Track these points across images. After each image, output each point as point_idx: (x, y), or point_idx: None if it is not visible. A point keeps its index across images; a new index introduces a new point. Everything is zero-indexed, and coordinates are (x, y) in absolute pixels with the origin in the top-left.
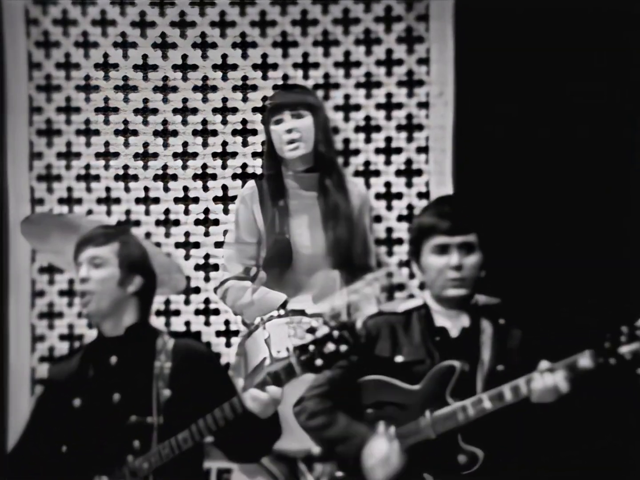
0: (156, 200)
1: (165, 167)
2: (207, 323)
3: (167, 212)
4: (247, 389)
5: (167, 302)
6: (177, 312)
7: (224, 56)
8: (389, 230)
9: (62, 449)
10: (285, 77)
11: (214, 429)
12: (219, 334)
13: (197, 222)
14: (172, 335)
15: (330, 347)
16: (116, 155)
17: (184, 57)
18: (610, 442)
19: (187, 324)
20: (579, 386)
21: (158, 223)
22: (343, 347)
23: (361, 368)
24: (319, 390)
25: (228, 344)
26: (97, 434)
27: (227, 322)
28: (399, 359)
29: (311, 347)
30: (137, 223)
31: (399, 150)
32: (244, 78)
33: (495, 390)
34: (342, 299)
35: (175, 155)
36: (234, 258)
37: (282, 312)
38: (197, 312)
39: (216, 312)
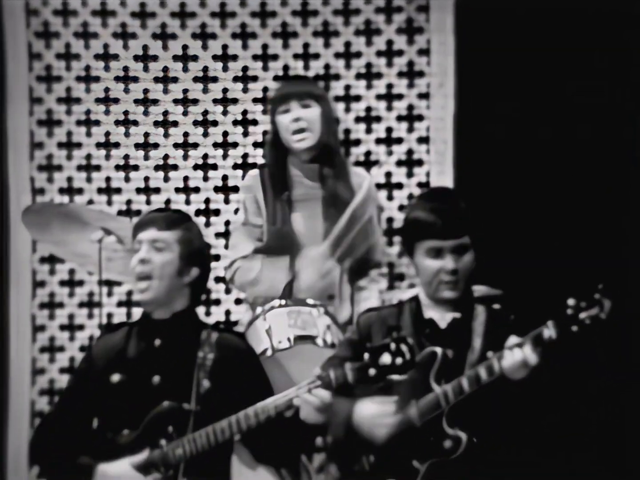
0: (157, 190)
1: (166, 157)
2: (207, 313)
3: (167, 202)
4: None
5: None
6: None
7: (224, 47)
8: (390, 220)
9: (92, 423)
10: (285, 67)
11: (254, 424)
12: (219, 324)
13: (198, 212)
14: (217, 329)
15: (386, 358)
16: (117, 145)
17: (185, 47)
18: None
19: None
20: (547, 358)
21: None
22: (399, 360)
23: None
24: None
25: None
26: (132, 413)
27: (227, 312)
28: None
29: (366, 356)
30: (138, 213)
31: (399, 141)
32: (245, 69)
33: (471, 371)
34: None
35: (176, 146)
36: (243, 239)
37: (282, 302)
38: None
39: (217, 302)
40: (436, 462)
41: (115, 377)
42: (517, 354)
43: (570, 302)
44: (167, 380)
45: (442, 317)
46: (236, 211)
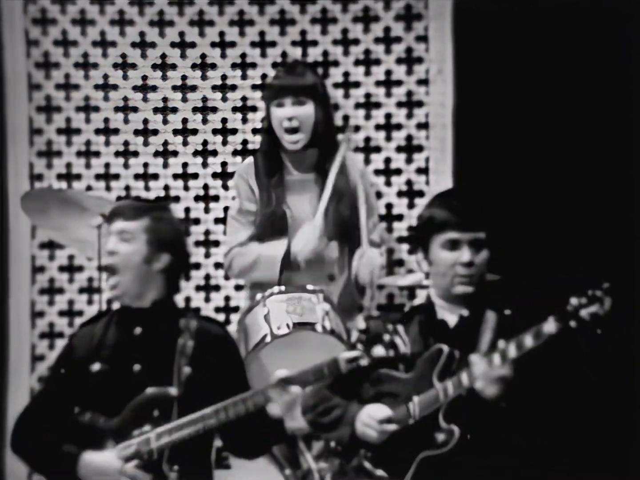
0: (155, 177)
1: (165, 143)
2: (207, 299)
3: (166, 188)
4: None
5: None
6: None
7: (222, 34)
8: (389, 206)
9: (74, 410)
10: (284, 54)
11: (242, 413)
12: (218, 310)
13: (197, 199)
14: (196, 317)
15: (379, 350)
16: (116, 131)
17: (181, 34)
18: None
19: (188, 300)
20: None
21: (157, 199)
22: (391, 353)
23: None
24: (320, 390)
25: (228, 321)
26: (112, 402)
27: (227, 298)
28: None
29: (359, 347)
30: (137, 199)
31: (399, 127)
32: (243, 55)
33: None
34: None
35: (176, 132)
36: (238, 227)
37: (282, 288)
38: (198, 288)
39: (217, 288)
40: (428, 455)
41: (96, 367)
42: (482, 365)
43: (573, 299)
44: (148, 368)
45: (453, 317)
46: (234, 198)
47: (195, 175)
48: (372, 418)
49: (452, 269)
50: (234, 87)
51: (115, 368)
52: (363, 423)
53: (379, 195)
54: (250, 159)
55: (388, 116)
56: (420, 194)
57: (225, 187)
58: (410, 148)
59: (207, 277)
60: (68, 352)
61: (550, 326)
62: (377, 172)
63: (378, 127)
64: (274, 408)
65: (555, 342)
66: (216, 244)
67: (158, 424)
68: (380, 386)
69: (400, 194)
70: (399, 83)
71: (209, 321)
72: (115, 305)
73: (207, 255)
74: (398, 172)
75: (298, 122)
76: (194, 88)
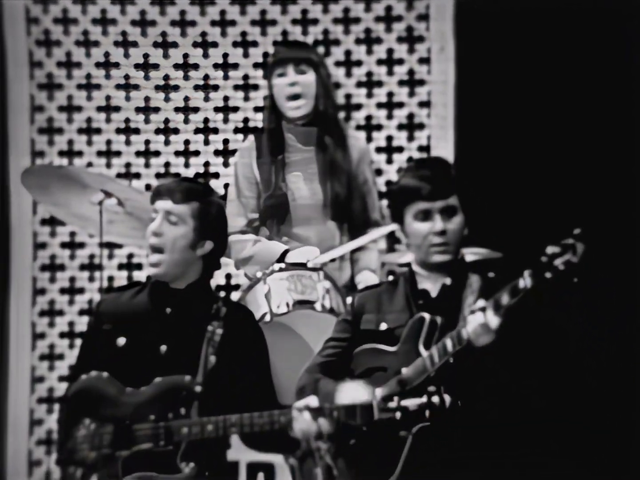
0: (156, 154)
1: (166, 120)
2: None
3: (167, 164)
4: None
5: None
6: None
7: (222, 12)
8: (389, 183)
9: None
10: (284, 33)
11: (268, 429)
12: (219, 288)
13: (198, 175)
14: (227, 303)
15: (413, 403)
16: (118, 109)
17: (182, 13)
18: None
19: None
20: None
21: (158, 176)
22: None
23: (351, 348)
24: (311, 372)
25: None
26: (135, 378)
27: (228, 276)
28: (382, 326)
29: (395, 406)
30: (137, 176)
31: (400, 105)
32: (243, 34)
33: (454, 332)
34: (342, 251)
35: (177, 110)
36: (236, 212)
37: (282, 265)
38: None
39: None
40: (422, 428)
41: (121, 341)
42: (478, 318)
43: (547, 249)
44: (174, 350)
45: (435, 286)
46: (226, 186)
47: (196, 153)
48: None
49: (426, 240)
50: (235, 66)
51: (141, 345)
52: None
53: (379, 172)
54: (250, 141)
55: (390, 94)
56: None
57: (226, 164)
58: (411, 126)
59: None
60: (96, 320)
61: (526, 281)
62: (379, 149)
63: (380, 105)
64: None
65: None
66: None
67: (180, 416)
68: (368, 362)
69: (401, 171)
70: (400, 62)
71: (239, 308)
72: (141, 278)
73: None
74: (400, 149)
75: (300, 88)
76: (195, 66)
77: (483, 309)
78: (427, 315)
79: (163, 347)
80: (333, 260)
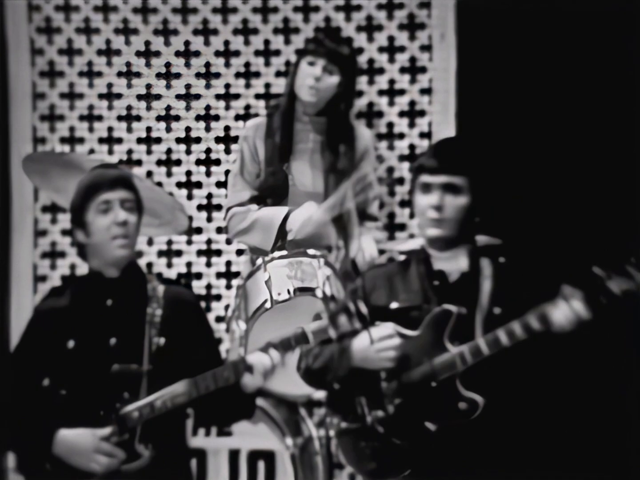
0: (158, 140)
1: (168, 108)
2: (208, 264)
3: (169, 151)
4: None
5: (170, 243)
6: (179, 253)
7: (225, 1)
8: (390, 170)
9: (60, 392)
10: (285, 20)
11: (213, 388)
12: (219, 275)
13: (199, 162)
14: (163, 281)
15: (344, 319)
16: (119, 96)
17: (184, 0)
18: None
19: (189, 264)
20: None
21: (160, 163)
22: (357, 325)
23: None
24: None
25: (229, 286)
26: (92, 379)
27: (228, 263)
28: (394, 305)
29: (324, 317)
30: (139, 162)
31: (402, 92)
32: (244, 21)
33: (490, 335)
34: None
35: (178, 97)
36: (240, 187)
37: (283, 252)
38: (199, 252)
39: (218, 252)
40: (451, 424)
41: (71, 343)
42: (576, 306)
43: (599, 272)
44: (124, 340)
45: (452, 269)
46: (227, 172)
47: (198, 140)
48: (378, 341)
49: (424, 214)
50: (237, 53)
51: (91, 344)
52: (374, 352)
53: (381, 159)
54: (258, 119)
55: (391, 82)
56: None
57: (227, 151)
58: (413, 113)
59: (209, 241)
60: (35, 327)
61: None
62: (380, 136)
63: (381, 93)
64: (247, 378)
65: None
66: (218, 208)
67: (127, 401)
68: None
69: (402, 158)
70: (402, 49)
71: (176, 285)
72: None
73: (209, 219)
74: (401, 136)
75: (322, 86)
76: (197, 53)
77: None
78: (454, 309)
79: (112, 340)
80: (330, 248)
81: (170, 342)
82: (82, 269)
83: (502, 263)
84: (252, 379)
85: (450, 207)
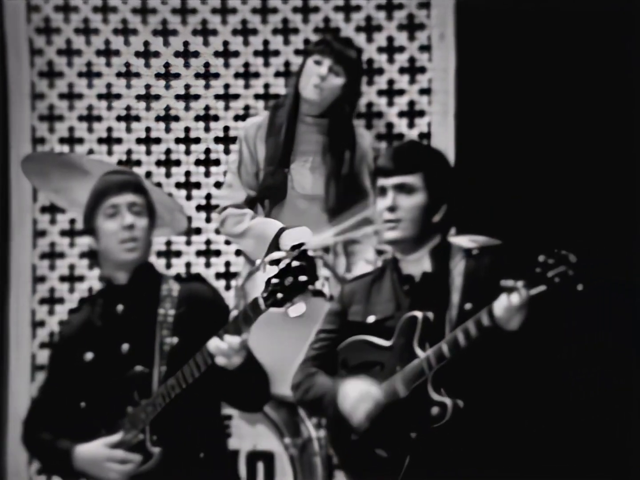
0: (157, 141)
1: (167, 108)
2: (207, 264)
3: (168, 152)
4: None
5: (168, 243)
6: (178, 253)
7: (224, 2)
8: None
9: (80, 404)
10: (284, 21)
11: (197, 375)
12: (219, 275)
13: (198, 163)
14: (178, 280)
15: (290, 279)
16: (118, 96)
17: (183, 1)
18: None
19: (188, 265)
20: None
21: (159, 163)
22: (302, 278)
23: (341, 339)
24: (305, 366)
25: (228, 286)
26: (109, 387)
27: (227, 264)
28: (371, 319)
29: (273, 281)
30: (138, 163)
31: (401, 92)
32: (244, 22)
33: (451, 335)
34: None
35: (178, 97)
36: (236, 186)
37: (282, 253)
38: (199, 253)
39: (217, 253)
40: (426, 431)
41: (89, 356)
42: (512, 297)
43: (540, 258)
44: (136, 346)
45: (417, 272)
46: (225, 173)
47: (197, 140)
48: (357, 399)
49: (381, 217)
50: (236, 54)
51: (105, 353)
52: (350, 406)
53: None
54: (258, 119)
55: (391, 82)
56: None
57: (226, 151)
58: (412, 113)
59: (208, 242)
60: (60, 349)
61: (521, 292)
62: (379, 136)
63: (380, 93)
64: (220, 360)
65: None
66: (217, 208)
67: (138, 404)
68: (364, 355)
69: None
70: (401, 49)
71: (193, 281)
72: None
73: (208, 220)
74: (400, 136)
75: (326, 86)
76: (196, 54)
77: (514, 289)
78: (419, 314)
79: (125, 346)
80: (327, 250)
81: (184, 341)
82: (81, 269)
83: (474, 255)
84: (224, 360)
85: (405, 207)
